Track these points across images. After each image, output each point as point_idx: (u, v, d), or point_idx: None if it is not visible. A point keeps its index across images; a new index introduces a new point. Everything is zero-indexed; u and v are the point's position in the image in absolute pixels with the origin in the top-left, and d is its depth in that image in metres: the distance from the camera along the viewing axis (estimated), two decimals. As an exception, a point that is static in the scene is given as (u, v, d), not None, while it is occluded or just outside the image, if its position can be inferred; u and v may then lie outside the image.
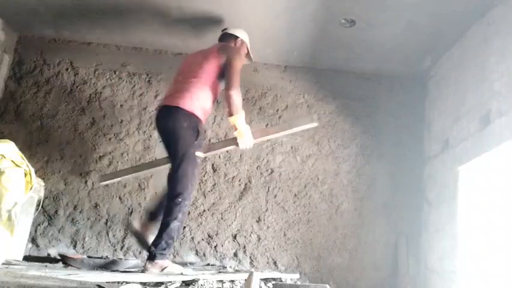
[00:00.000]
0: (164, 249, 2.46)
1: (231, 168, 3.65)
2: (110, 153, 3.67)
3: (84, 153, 3.67)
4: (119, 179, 3.28)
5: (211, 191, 3.61)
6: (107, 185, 3.46)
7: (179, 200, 2.53)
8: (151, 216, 2.79)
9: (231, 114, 2.77)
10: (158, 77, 3.86)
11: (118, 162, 3.65)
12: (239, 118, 2.77)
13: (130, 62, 3.88)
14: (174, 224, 2.48)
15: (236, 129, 2.81)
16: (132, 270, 2.69)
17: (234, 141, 2.89)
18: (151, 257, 2.43)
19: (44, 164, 3.61)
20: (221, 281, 2.24)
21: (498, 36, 2.77)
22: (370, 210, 3.64)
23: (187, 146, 2.65)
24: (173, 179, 2.61)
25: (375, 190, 3.68)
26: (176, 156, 2.65)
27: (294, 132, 3.14)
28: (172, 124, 2.69)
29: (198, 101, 2.74)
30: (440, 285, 3.15)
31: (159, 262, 2.42)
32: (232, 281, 2.31)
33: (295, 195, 3.64)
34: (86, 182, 3.60)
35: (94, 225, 3.52)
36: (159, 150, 3.69)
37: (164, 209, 2.55)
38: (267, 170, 3.68)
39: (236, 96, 2.75)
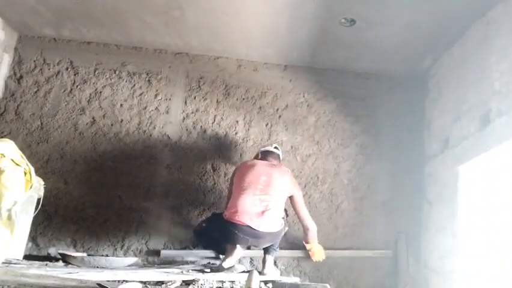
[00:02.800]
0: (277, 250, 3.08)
1: (230, 167, 3.64)
2: (110, 152, 3.67)
3: (84, 153, 3.67)
4: None
5: (211, 190, 3.61)
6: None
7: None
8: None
9: (307, 242, 3.31)
10: (158, 76, 3.86)
11: (118, 161, 3.65)
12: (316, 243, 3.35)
13: (130, 61, 3.88)
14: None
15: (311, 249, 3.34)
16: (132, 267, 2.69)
17: (307, 253, 3.40)
18: (274, 252, 3.04)
19: (44, 163, 3.60)
20: (221, 281, 2.24)
21: (498, 35, 2.77)
22: (370, 209, 3.64)
23: None
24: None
25: (375, 189, 3.68)
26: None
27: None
28: None
29: None
30: (440, 285, 3.15)
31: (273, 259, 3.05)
32: (232, 281, 2.31)
33: (295, 194, 3.64)
34: (86, 181, 3.60)
35: (94, 224, 3.51)
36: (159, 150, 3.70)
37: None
38: (267, 170, 3.67)
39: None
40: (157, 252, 3.45)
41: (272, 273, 2.93)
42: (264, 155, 3.25)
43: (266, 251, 3.02)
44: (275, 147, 3.33)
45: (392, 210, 3.63)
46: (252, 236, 2.83)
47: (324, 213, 3.62)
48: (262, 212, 2.87)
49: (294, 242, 3.48)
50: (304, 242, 3.34)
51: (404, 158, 3.74)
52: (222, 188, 3.62)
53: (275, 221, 2.92)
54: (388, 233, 3.59)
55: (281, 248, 3.25)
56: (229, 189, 3.18)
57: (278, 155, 3.31)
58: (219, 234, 2.93)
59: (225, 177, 3.64)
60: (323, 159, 3.74)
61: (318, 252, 3.33)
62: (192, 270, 2.73)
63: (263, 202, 2.90)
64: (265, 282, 2.44)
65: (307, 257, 3.38)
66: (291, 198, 3.16)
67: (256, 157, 3.31)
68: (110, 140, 3.70)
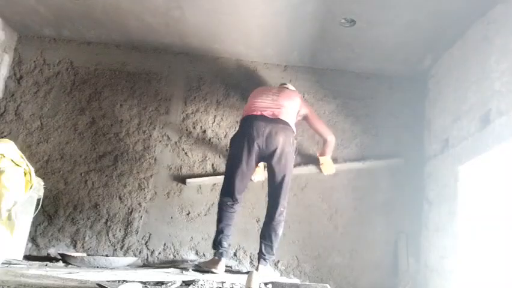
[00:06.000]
0: (273, 255, 2.95)
1: (231, 167, 3.64)
2: (110, 152, 3.67)
3: (84, 153, 3.67)
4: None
5: (211, 190, 3.61)
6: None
7: (284, 211, 2.93)
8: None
9: (322, 154, 3.57)
10: (158, 76, 3.86)
11: (118, 161, 3.65)
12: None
13: (129, 61, 3.88)
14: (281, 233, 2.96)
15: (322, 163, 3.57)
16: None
17: (318, 167, 3.64)
18: (265, 262, 2.88)
19: (44, 163, 3.61)
20: (221, 282, 2.24)
21: (498, 35, 2.77)
22: (370, 209, 3.63)
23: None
24: (282, 193, 2.93)
25: (375, 189, 3.68)
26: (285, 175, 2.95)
27: None
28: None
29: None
30: (440, 284, 3.14)
31: (268, 265, 2.92)
32: (232, 282, 2.31)
33: (295, 194, 3.63)
34: (86, 181, 3.60)
35: (94, 224, 3.52)
36: (159, 150, 3.70)
37: (275, 223, 2.90)
38: (267, 170, 3.67)
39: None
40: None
41: (267, 275, 2.85)
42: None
43: (259, 258, 2.92)
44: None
45: (392, 210, 3.63)
46: (266, 121, 2.91)
47: (324, 213, 3.62)
48: (275, 105, 3.04)
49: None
50: (318, 155, 3.60)
51: (404, 158, 3.74)
52: (222, 188, 3.61)
53: (289, 116, 3.03)
54: (388, 233, 3.58)
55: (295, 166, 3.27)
56: None
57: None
58: (234, 149, 2.97)
59: (225, 177, 3.63)
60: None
61: (328, 165, 3.58)
62: (193, 269, 2.73)
63: (275, 102, 3.06)
64: (265, 283, 2.44)
65: (319, 171, 3.62)
66: (305, 118, 3.36)
67: None
68: (110, 140, 3.70)
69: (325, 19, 3.21)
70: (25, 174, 2.27)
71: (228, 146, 3.19)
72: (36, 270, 1.86)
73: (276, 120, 2.95)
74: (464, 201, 3.00)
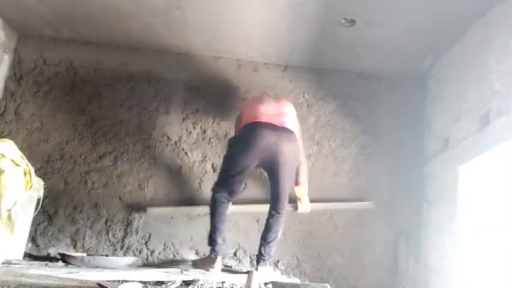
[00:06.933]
0: (272, 257, 3.04)
1: (231, 167, 3.64)
2: (110, 152, 3.67)
3: (84, 153, 3.67)
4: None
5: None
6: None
7: (285, 214, 3.01)
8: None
9: (298, 183, 3.28)
10: (158, 76, 3.86)
11: (118, 161, 3.65)
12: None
13: (129, 61, 3.88)
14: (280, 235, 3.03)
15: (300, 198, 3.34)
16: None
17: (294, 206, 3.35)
18: (264, 263, 2.94)
19: (44, 163, 3.61)
20: (221, 282, 2.24)
21: (498, 35, 2.77)
22: (370, 209, 3.63)
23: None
24: (283, 197, 2.98)
25: (375, 189, 3.68)
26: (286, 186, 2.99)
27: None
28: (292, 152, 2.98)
29: None
30: (440, 285, 3.15)
31: (268, 265, 2.98)
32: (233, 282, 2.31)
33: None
34: (86, 181, 3.60)
35: (94, 224, 3.51)
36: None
37: (274, 225, 2.96)
38: (267, 170, 3.67)
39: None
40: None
41: (268, 275, 2.86)
42: None
43: (258, 260, 2.97)
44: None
45: (392, 210, 3.63)
46: (272, 129, 2.89)
47: (324, 214, 3.61)
48: (280, 113, 3.04)
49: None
50: (294, 185, 3.26)
51: (404, 158, 3.74)
52: (222, 188, 3.61)
53: (292, 124, 3.04)
54: (388, 233, 3.59)
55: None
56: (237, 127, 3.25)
57: None
58: (236, 150, 2.97)
59: (225, 177, 3.63)
60: (323, 160, 3.74)
61: (304, 201, 3.34)
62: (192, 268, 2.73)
63: (278, 109, 3.06)
64: (265, 283, 2.44)
65: (293, 209, 3.33)
66: None
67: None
68: (110, 140, 3.70)
69: (325, 19, 3.21)
70: (25, 174, 2.27)
71: (227, 146, 3.20)
72: (36, 270, 1.86)
73: (282, 129, 2.95)
74: (464, 201, 3.00)
